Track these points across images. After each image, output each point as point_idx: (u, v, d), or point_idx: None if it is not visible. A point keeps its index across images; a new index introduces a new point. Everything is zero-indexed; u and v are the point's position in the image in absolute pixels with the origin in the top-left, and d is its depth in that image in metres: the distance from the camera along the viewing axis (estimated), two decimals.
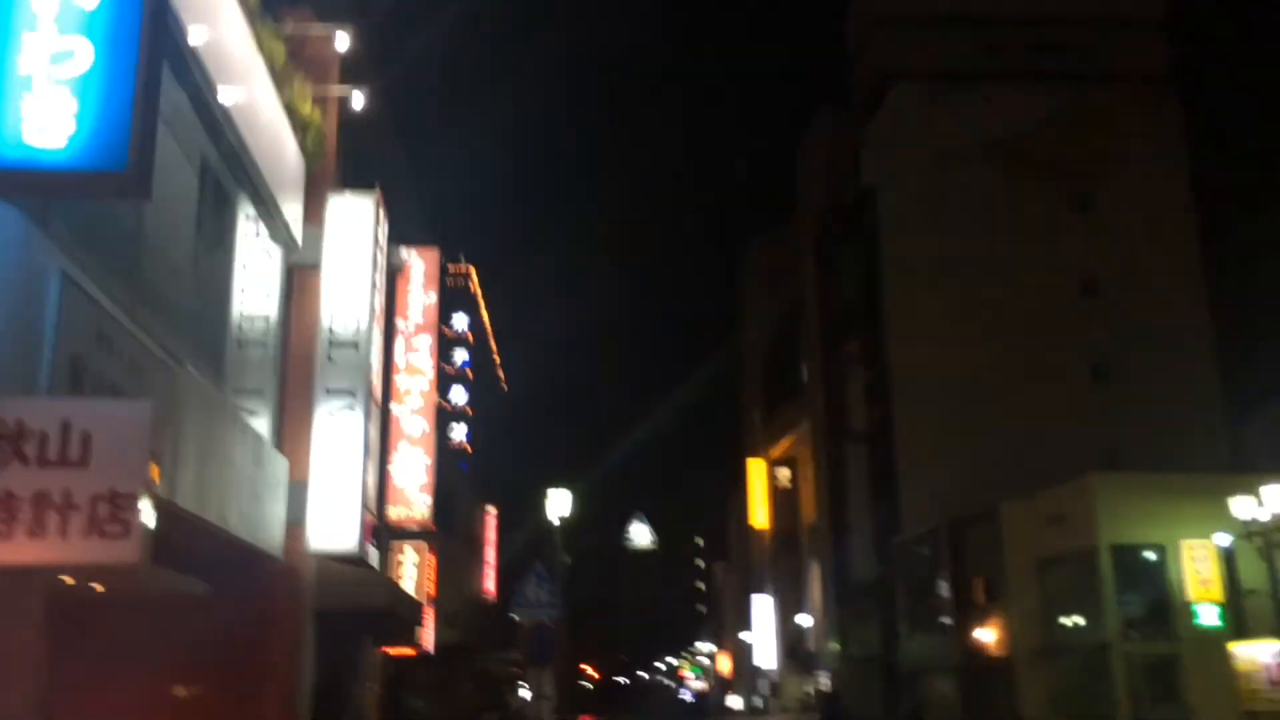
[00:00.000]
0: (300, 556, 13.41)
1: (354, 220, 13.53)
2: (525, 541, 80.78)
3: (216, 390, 11.56)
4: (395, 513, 19.20)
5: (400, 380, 19.75)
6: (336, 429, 13.54)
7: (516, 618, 12.87)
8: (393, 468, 19.30)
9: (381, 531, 18.94)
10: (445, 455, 56.23)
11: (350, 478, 13.44)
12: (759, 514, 61.29)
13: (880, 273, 41.73)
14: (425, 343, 20.35)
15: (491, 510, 63.54)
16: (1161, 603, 25.35)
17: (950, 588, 33.02)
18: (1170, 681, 24.23)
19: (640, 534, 30.31)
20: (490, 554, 63.17)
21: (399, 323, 20.21)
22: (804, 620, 40.86)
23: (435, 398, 20.49)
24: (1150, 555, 25.85)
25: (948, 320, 40.29)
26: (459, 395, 76.55)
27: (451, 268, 78.31)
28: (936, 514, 34.95)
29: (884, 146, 42.05)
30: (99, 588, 9.21)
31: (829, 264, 47.84)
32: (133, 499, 5.85)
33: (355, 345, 13.91)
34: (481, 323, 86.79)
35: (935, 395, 39.19)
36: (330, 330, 13.87)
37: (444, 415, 70.75)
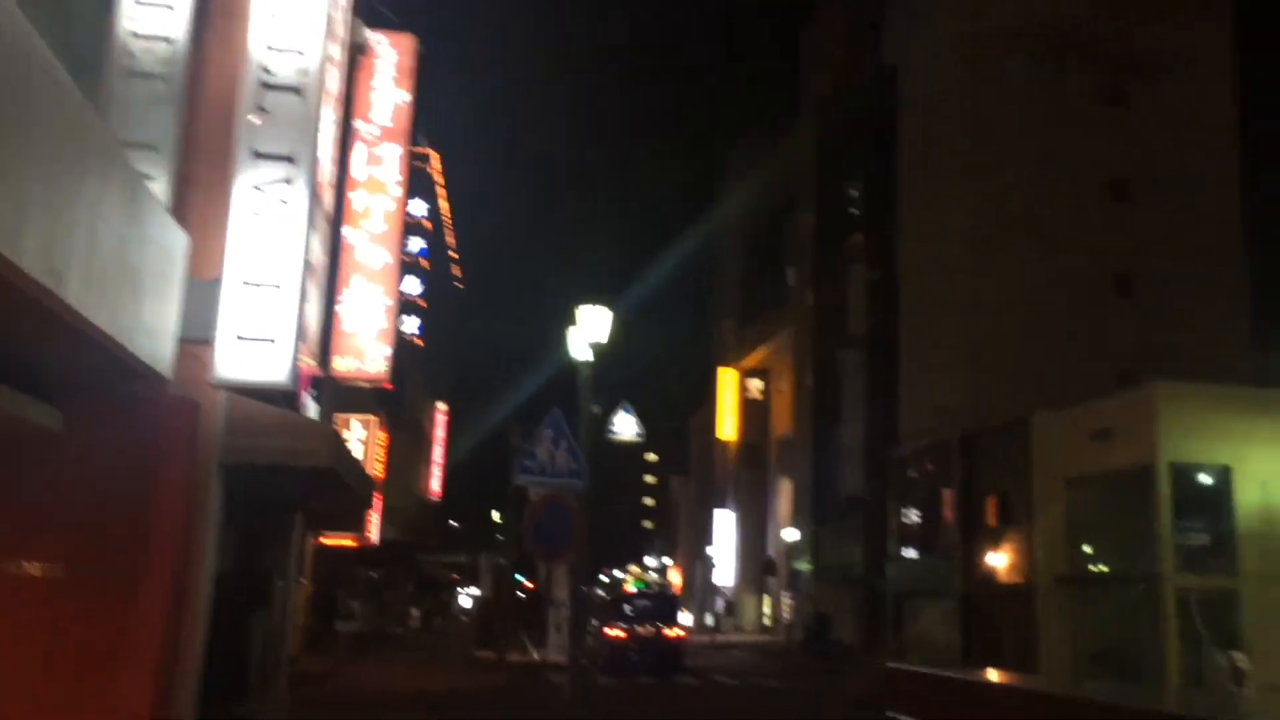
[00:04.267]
0: (202, 387, 9.32)
1: None
2: (475, 446, 77.09)
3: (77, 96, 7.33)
4: (342, 364, 15.10)
5: (357, 198, 15.46)
6: (266, 210, 9.35)
7: (522, 485, 8.88)
8: (342, 307, 15.15)
9: (324, 385, 14.80)
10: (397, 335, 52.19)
11: (284, 281, 9.31)
12: (727, 425, 57.95)
13: (895, 163, 37.78)
14: (392, 154, 16.01)
15: (442, 407, 59.46)
16: (1222, 531, 22.20)
17: (957, 507, 29.73)
18: (1228, 621, 21.12)
19: (626, 425, 27.23)
20: (438, 453, 59.32)
21: (359, 125, 15.85)
22: (789, 535, 37.63)
23: (401, 224, 16.23)
24: (1207, 478, 22.59)
25: (964, 219, 36.61)
26: (413, 285, 71.97)
27: (413, 149, 73.40)
28: (938, 428, 31.61)
29: (908, 22, 37.74)
30: None
31: (833, 154, 43.70)
32: None
33: (298, 91, 9.60)
34: (439, 210, 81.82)
35: (944, 300, 35.69)
36: (262, 67, 9.56)
37: (398, 307, 66.52)
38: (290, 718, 13.49)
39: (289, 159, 9.54)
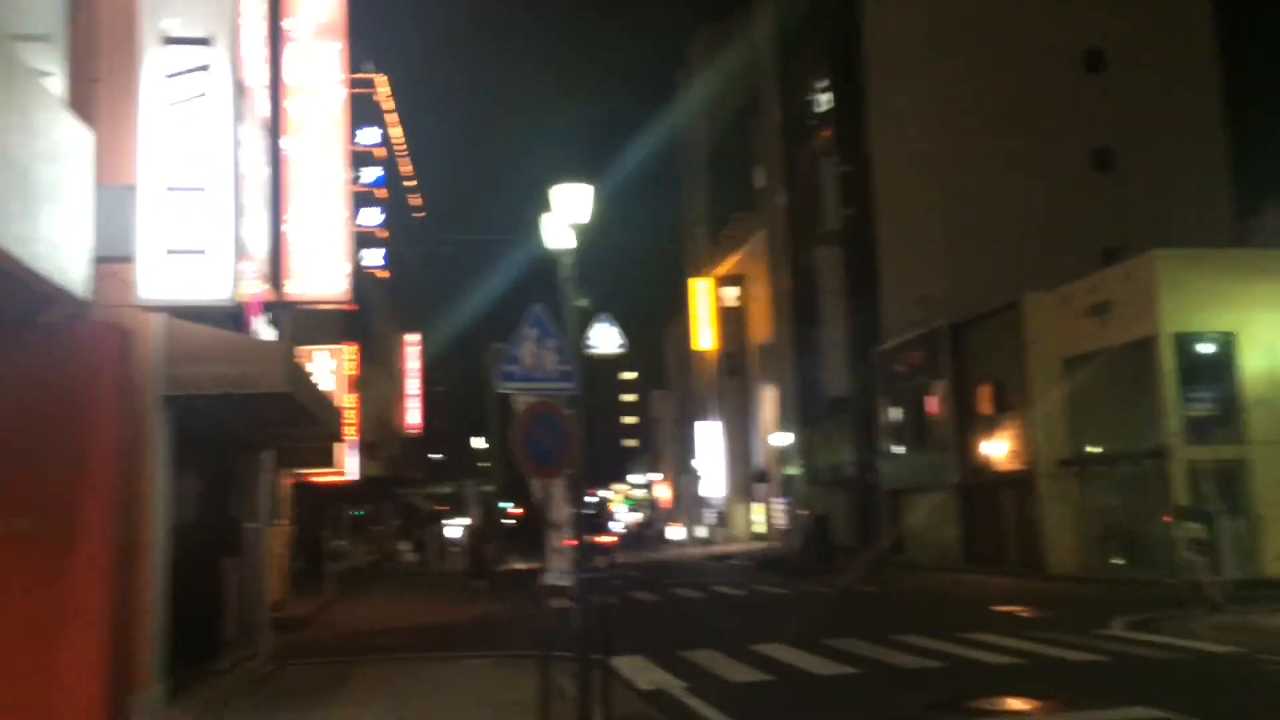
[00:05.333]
0: (131, 311, 8.15)
1: None
2: (452, 376, 75.88)
3: None
4: (298, 286, 13.87)
5: (296, 105, 14.06)
6: (182, 104, 8.09)
7: (507, 393, 7.81)
8: (290, 225, 13.87)
9: (283, 312, 13.62)
10: (357, 269, 50.44)
11: (211, 184, 8.10)
12: (704, 336, 56.99)
13: (862, 49, 36.31)
14: (330, 53, 14.54)
15: (412, 339, 58.08)
16: (1229, 400, 21.57)
17: (949, 397, 29.03)
18: (1236, 490, 20.57)
19: (606, 337, 26.00)
20: (413, 385, 58.12)
21: (290, 26, 14.37)
22: (778, 440, 36.94)
23: (348, 130, 14.84)
24: (1211, 347, 21.87)
25: (936, 103, 35.36)
26: (371, 217, 69.94)
27: (359, 75, 70.66)
28: (923, 320, 30.78)
29: None
30: None
31: (795, 45, 42.07)
32: None
33: None
34: (394, 138, 79.30)
35: (920, 189, 34.62)
36: None
37: (359, 239, 64.60)
38: (273, 668, 12.58)
39: (204, 42, 8.27)
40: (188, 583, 11.20)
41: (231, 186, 8.22)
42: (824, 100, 39.71)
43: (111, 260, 8.25)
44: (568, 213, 8.19)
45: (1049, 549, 24.29)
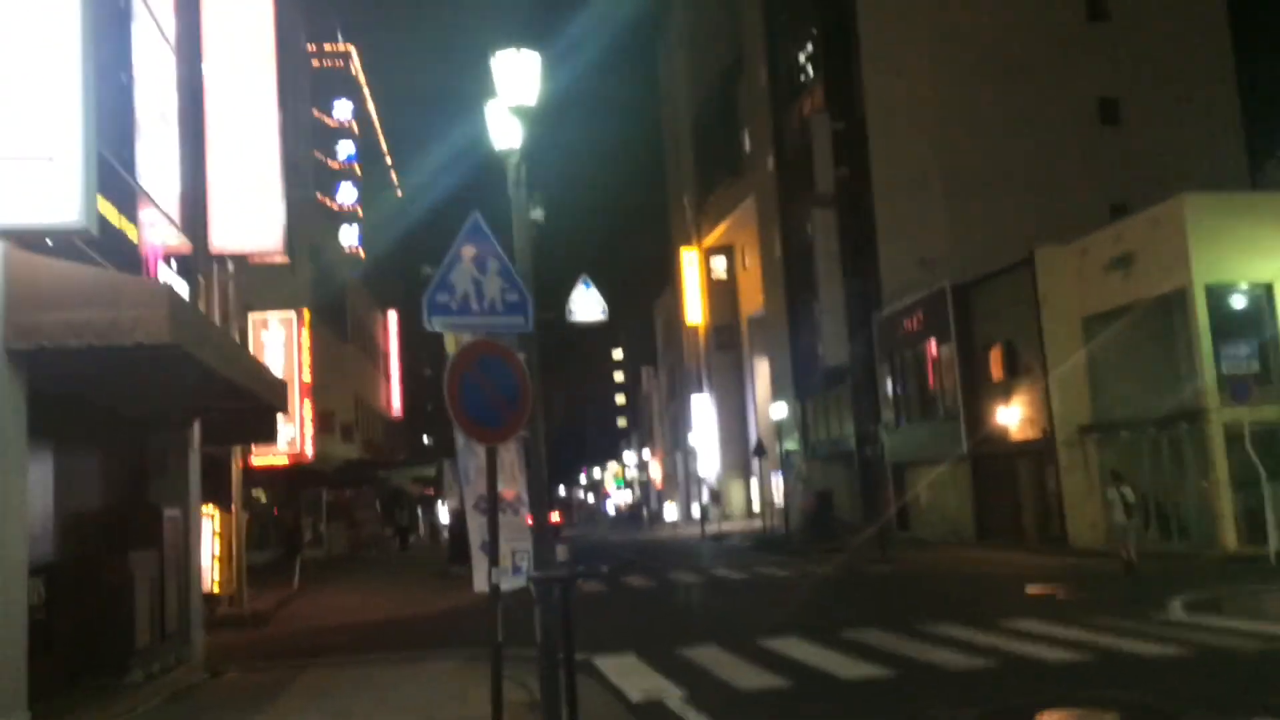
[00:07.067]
0: None
1: None
2: (434, 364, 73.71)
3: None
4: (223, 239, 11.96)
5: (214, 19, 12.06)
6: None
7: (439, 330, 5.91)
8: (213, 168, 11.93)
9: (198, 260, 11.69)
10: (332, 247, 48.27)
11: (48, 59, 6.21)
12: (693, 310, 55.15)
13: (852, 2, 34.38)
14: None
15: (391, 316, 56.07)
16: (1269, 356, 19.84)
17: (955, 363, 27.26)
18: (1277, 454, 18.86)
19: (587, 303, 24.14)
20: (393, 366, 56.17)
21: None
22: (776, 412, 35.09)
23: (275, 59, 12.84)
24: (1245, 300, 20.13)
25: (932, 55, 33.51)
26: (347, 194, 67.70)
27: (328, 46, 68.24)
28: (925, 282, 28.98)
29: None
30: None
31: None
32: None
33: None
34: (367, 112, 76.89)
35: (918, 145, 32.81)
36: None
37: (334, 217, 62.36)
38: (203, 679, 10.76)
39: None
40: (79, 584, 9.37)
41: (80, 60, 6.33)
42: (814, 55, 37.74)
43: None
44: (510, 93, 6.34)
45: (1071, 522, 22.59)
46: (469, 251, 5.75)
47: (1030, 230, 27.76)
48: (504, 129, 6.76)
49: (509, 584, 6.12)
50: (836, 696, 8.35)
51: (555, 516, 31.31)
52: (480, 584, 6.09)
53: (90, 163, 6.43)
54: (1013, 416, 25.20)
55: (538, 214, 6.77)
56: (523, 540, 6.31)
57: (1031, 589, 15.33)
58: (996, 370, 26.15)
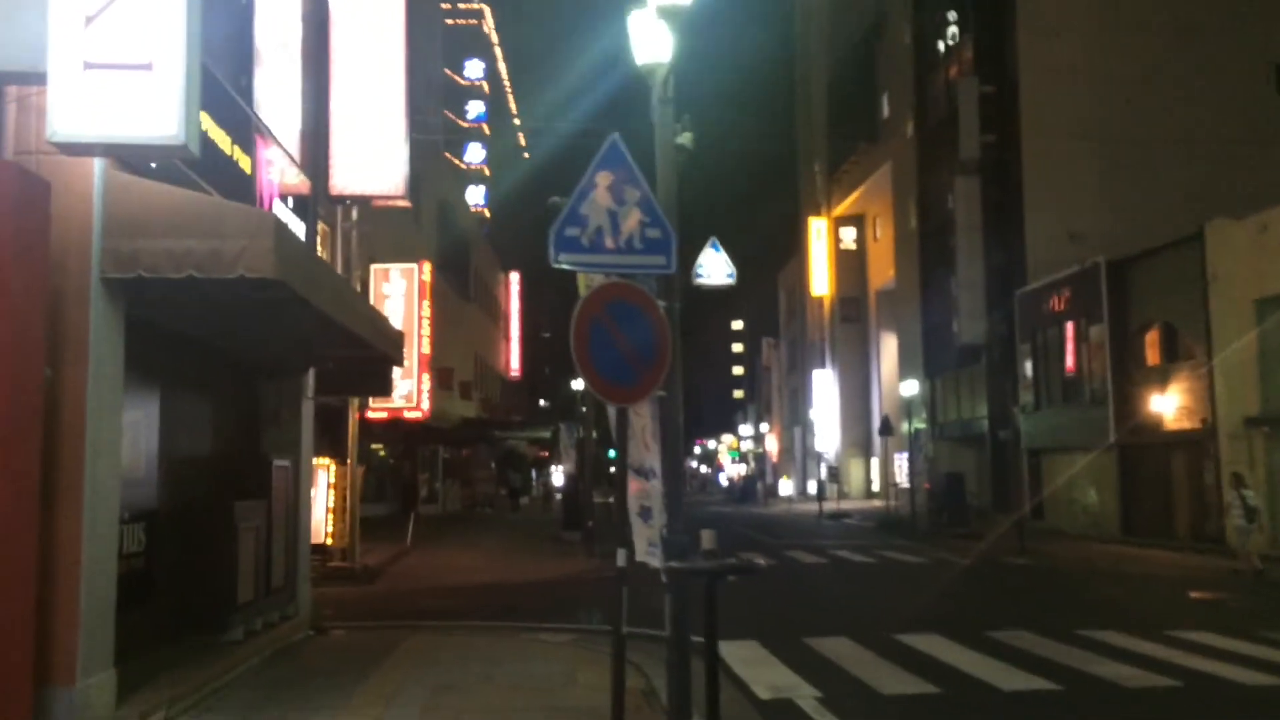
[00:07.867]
0: (53, 157, 5.77)
1: None
2: (554, 328, 73.83)
3: None
4: (344, 180, 11.44)
5: None
6: None
7: (565, 267, 5.07)
8: (336, 107, 11.39)
9: (317, 200, 11.18)
10: (459, 205, 48.31)
11: None
12: (820, 280, 53.55)
13: None
14: None
15: (514, 277, 56.02)
16: None
17: (1106, 344, 25.41)
18: None
19: (715, 266, 23.26)
20: (513, 327, 56.17)
21: None
22: (906, 389, 33.54)
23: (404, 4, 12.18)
24: None
25: (1094, 12, 31.33)
26: (475, 154, 68.02)
27: (461, 4, 68.30)
28: (1075, 258, 27.08)
29: None
30: None
31: None
32: None
33: None
34: (498, 72, 76.96)
35: (1074, 111, 30.74)
36: None
37: (461, 176, 62.44)
38: (307, 636, 10.35)
39: None
40: (182, 534, 8.97)
41: None
42: (963, 14, 35.73)
43: (15, 79, 5.85)
44: (656, 22, 5.43)
45: (1231, 522, 20.74)
46: (604, 179, 4.91)
47: (1195, 205, 25.73)
48: (649, 41, 5.88)
49: (656, 561, 5.36)
50: (997, 710, 7.33)
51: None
52: (641, 553, 5.42)
53: (193, 74, 5.78)
54: (1168, 405, 23.35)
55: (685, 138, 5.89)
56: (660, 515, 5.50)
57: (1195, 594, 13.90)
58: (1152, 354, 24.29)
